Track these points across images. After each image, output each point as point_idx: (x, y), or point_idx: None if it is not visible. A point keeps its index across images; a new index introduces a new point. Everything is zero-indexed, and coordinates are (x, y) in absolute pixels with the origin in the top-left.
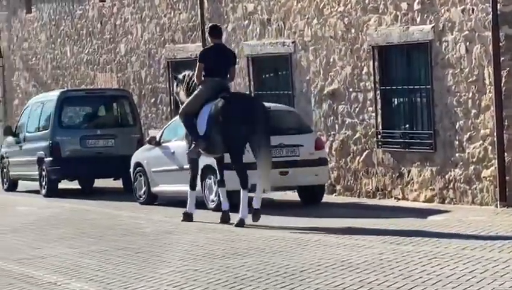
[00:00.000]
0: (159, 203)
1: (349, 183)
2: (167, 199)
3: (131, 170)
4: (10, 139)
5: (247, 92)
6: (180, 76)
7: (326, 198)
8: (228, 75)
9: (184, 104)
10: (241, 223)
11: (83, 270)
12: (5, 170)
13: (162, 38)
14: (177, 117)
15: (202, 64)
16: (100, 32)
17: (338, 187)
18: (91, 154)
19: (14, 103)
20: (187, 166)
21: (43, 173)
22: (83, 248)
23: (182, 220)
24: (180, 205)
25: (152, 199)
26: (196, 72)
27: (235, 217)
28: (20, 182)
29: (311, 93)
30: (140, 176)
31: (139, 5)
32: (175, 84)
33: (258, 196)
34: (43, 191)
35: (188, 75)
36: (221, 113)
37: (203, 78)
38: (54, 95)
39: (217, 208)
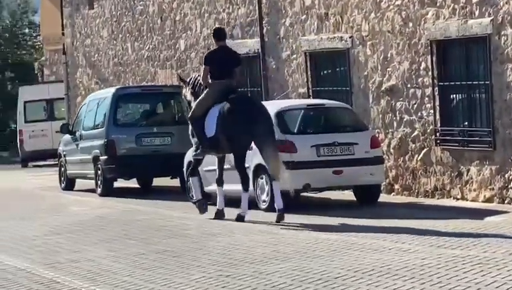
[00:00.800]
0: (213, 202)
1: (407, 183)
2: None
3: (184, 169)
4: (67, 137)
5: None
6: (187, 79)
7: (384, 198)
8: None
9: (193, 108)
10: (240, 219)
11: (112, 275)
12: (62, 169)
13: None
14: None
15: (208, 67)
16: (160, 28)
17: (396, 186)
18: (147, 152)
19: (77, 100)
20: (247, 165)
21: (99, 172)
22: (120, 251)
23: (214, 218)
24: (234, 205)
25: (206, 199)
26: (202, 75)
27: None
28: (78, 180)
29: (369, 89)
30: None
31: (199, 0)
32: (184, 87)
33: (277, 195)
34: (99, 191)
35: (195, 77)
36: (227, 115)
37: (209, 81)
38: (109, 92)
39: (269, 209)
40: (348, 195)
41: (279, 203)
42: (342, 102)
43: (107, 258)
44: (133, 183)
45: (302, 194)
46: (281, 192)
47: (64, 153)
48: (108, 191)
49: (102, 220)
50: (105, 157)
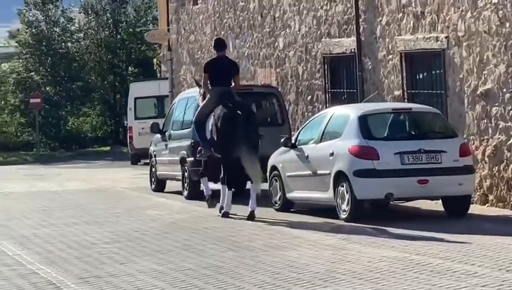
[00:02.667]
0: (297, 210)
1: (502, 194)
2: (307, 205)
3: (267, 173)
4: (158, 137)
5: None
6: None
7: (477, 209)
8: (233, 84)
9: (196, 112)
10: (225, 215)
11: None
12: (153, 169)
13: (319, 32)
14: (314, 117)
15: (207, 74)
16: (260, 25)
17: (490, 197)
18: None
19: None
20: (320, 171)
21: (185, 174)
22: (168, 265)
23: (219, 215)
24: (319, 214)
25: (288, 206)
26: (203, 82)
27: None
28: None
29: (465, 93)
30: (276, 181)
31: None
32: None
33: (253, 198)
34: (185, 193)
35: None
36: (218, 119)
37: (209, 87)
38: (197, 91)
39: (349, 219)
40: (440, 205)
41: (253, 206)
42: (436, 106)
43: (149, 273)
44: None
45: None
46: (369, 201)
47: (155, 153)
48: (195, 194)
49: (171, 227)
50: (192, 159)
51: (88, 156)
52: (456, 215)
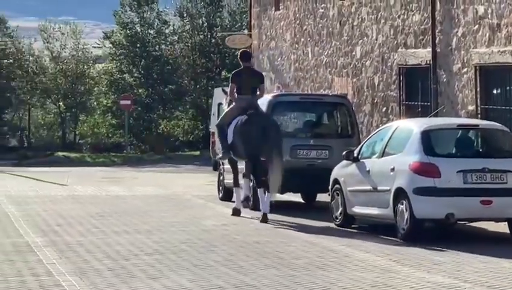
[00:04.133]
0: (359, 226)
1: None
2: (369, 222)
3: (329, 187)
4: None
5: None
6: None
7: None
8: (258, 93)
9: (221, 117)
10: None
11: None
12: (221, 177)
13: (395, 42)
14: (378, 130)
15: (234, 84)
16: (339, 33)
17: None
18: (301, 165)
19: None
20: (381, 187)
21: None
22: (199, 282)
23: (232, 214)
24: (380, 231)
25: (349, 221)
26: (229, 91)
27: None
28: None
29: None
30: (338, 195)
31: (376, 4)
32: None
33: (266, 203)
34: (250, 204)
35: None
36: (241, 127)
37: (236, 96)
38: (266, 99)
39: (407, 238)
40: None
41: (265, 209)
42: (511, 123)
43: None
44: (296, 197)
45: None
46: (429, 220)
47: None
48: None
49: (221, 239)
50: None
51: (176, 160)
52: None
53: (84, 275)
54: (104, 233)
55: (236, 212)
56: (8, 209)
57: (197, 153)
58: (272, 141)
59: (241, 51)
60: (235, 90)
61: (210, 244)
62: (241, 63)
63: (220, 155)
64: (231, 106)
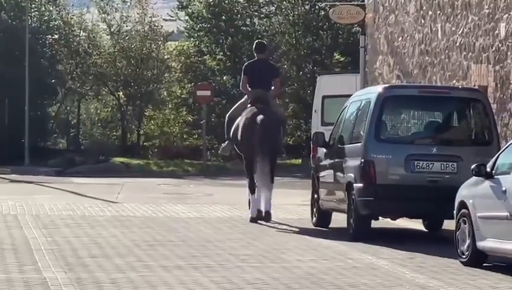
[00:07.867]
0: (494, 265)
1: None
2: (507, 260)
3: (454, 211)
4: (322, 152)
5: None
6: None
7: None
8: (273, 87)
9: (232, 109)
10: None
11: None
12: (315, 196)
13: None
14: None
15: (246, 76)
16: (478, 4)
17: None
18: (420, 182)
19: None
20: None
21: (352, 206)
22: None
23: (250, 221)
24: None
25: (479, 259)
26: (241, 83)
27: None
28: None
29: None
30: (464, 223)
31: None
32: None
33: (267, 202)
34: (350, 231)
35: None
36: (246, 121)
37: (248, 89)
38: (374, 91)
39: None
40: None
41: (267, 207)
42: None
43: None
44: (415, 223)
45: None
46: None
47: (317, 174)
48: (362, 233)
49: (303, 280)
50: (361, 185)
51: None
52: None
53: None
54: (150, 268)
55: (253, 219)
56: (31, 234)
57: (298, 161)
58: (272, 142)
59: (255, 42)
60: (247, 83)
61: (287, 286)
62: (255, 55)
63: (223, 147)
64: (243, 99)
